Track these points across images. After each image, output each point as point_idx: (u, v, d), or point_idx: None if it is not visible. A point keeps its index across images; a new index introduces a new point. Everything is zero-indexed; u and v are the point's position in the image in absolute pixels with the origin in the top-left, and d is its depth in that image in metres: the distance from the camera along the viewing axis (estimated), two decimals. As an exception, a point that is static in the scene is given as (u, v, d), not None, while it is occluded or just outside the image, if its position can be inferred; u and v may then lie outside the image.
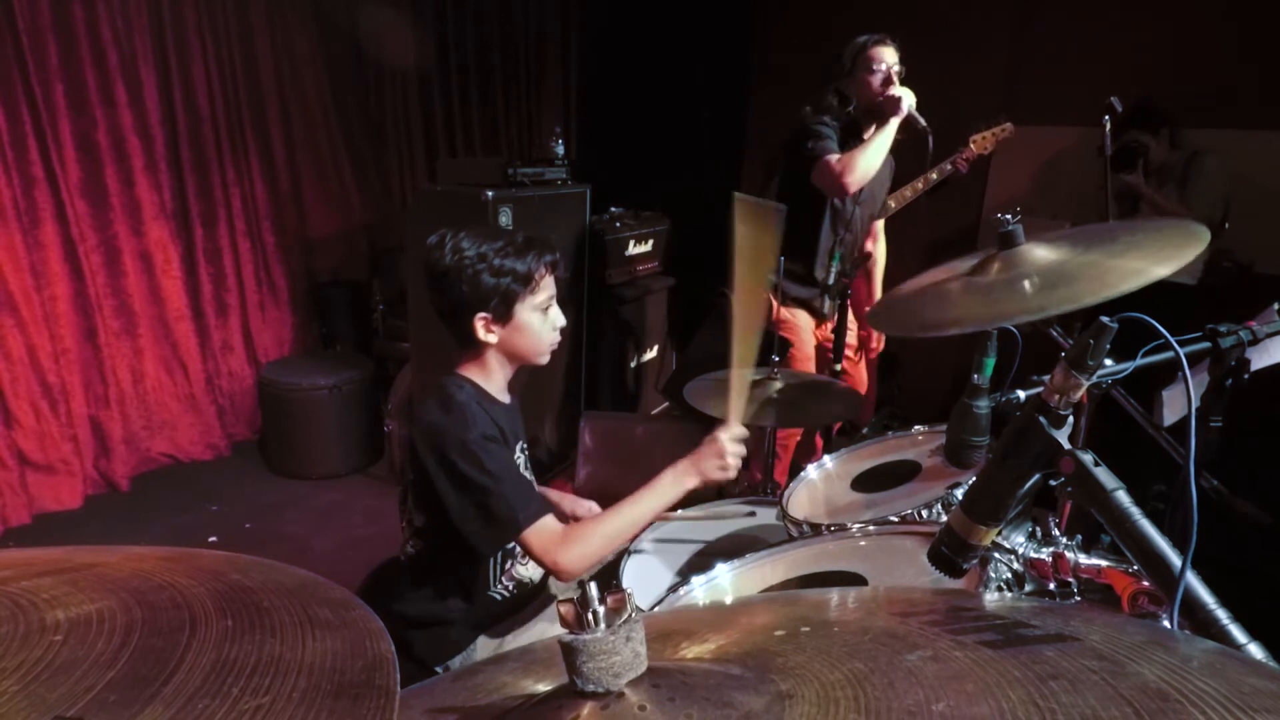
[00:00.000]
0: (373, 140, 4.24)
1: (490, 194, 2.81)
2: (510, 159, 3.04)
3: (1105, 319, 0.71)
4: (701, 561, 1.57)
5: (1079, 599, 0.98)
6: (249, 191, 3.70)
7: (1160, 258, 0.91)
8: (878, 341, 2.95)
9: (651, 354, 3.97)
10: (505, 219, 2.88)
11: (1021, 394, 0.91)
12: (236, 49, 3.54)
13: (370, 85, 4.17)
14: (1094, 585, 0.97)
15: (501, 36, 4.59)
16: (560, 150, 3.44)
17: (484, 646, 1.52)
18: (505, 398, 1.53)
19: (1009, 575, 1.02)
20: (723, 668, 0.50)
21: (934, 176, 2.77)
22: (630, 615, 0.46)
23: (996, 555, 1.02)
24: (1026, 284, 0.98)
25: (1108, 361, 0.92)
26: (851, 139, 2.46)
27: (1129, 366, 0.96)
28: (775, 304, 2.51)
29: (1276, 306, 1.32)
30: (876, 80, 2.41)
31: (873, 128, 2.46)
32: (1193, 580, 0.66)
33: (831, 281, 2.47)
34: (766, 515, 1.73)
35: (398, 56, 4.09)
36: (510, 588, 1.56)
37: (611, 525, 1.39)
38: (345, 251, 4.18)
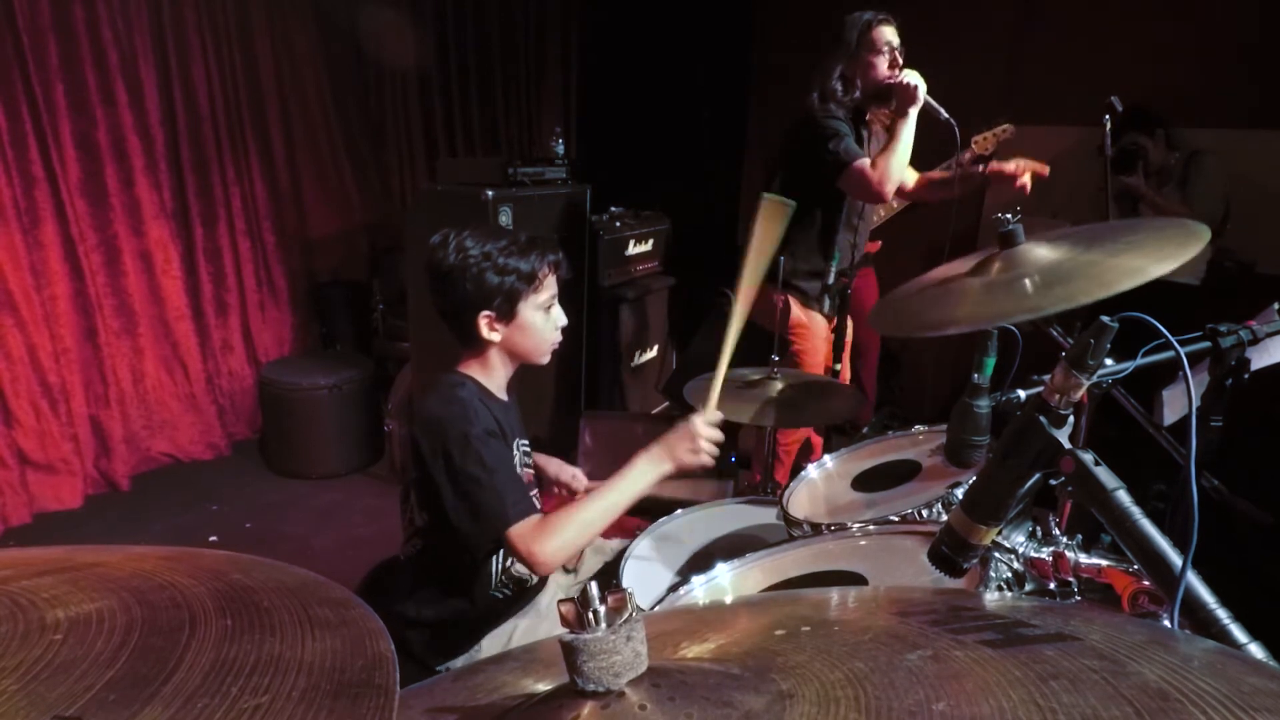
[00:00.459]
0: (373, 140, 4.24)
1: (490, 194, 2.81)
2: (510, 159, 3.04)
3: (1105, 319, 0.71)
4: (701, 561, 1.56)
5: (1079, 598, 0.98)
6: (249, 191, 3.71)
7: (1160, 256, 0.92)
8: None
9: (651, 354, 3.97)
10: (505, 219, 2.88)
11: (1022, 393, 0.91)
12: (236, 49, 3.54)
13: (370, 85, 4.17)
14: (1094, 585, 0.97)
15: (501, 36, 4.59)
16: (560, 150, 3.44)
17: (488, 649, 1.52)
18: (505, 396, 1.54)
19: (1009, 575, 1.02)
20: (723, 667, 0.50)
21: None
22: (631, 615, 0.46)
23: (997, 555, 1.02)
24: (1028, 282, 0.99)
25: (1108, 361, 0.92)
26: (859, 126, 2.42)
27: (1129, 366, 0.96)
28: (792, 307, 2.47)
29: (1276, 306, 1.32)
30: (883, 63, 2.32)
31: (874, 113, 2.39)
32: (1193, 580, 0.66)
33: (831, 281, 2.46)
34: (766, 515, 1.73)
35: (398, 56, 4.09)
36: (510, 587, 1.56)
37: (587, 513, 1.36)
38: (345, 251, 4.18)
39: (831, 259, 2.44)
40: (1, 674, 0.41)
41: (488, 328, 1.43)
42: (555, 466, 1.80)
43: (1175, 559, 0.66)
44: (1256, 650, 0.63)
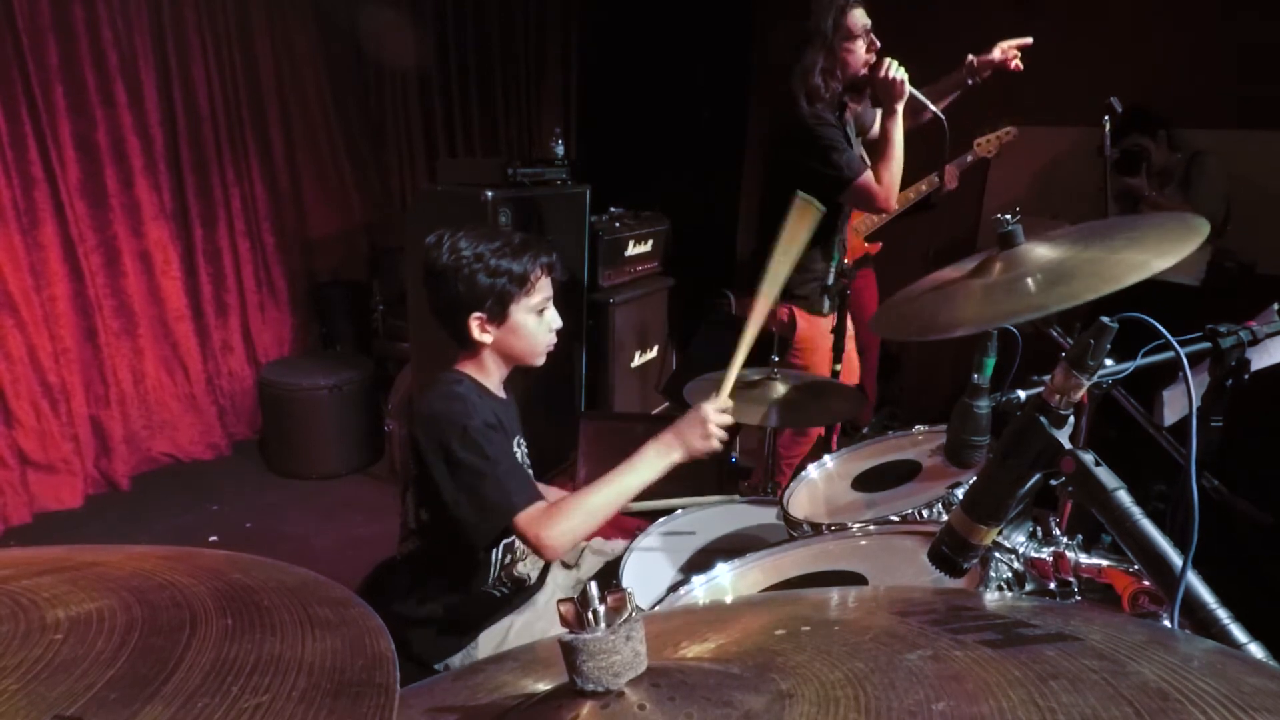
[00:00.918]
0: (373, 140, 4.25)
1: (490, 194, 2.81)
2: (510, 159, 3.04)
3: (1105, 319, 0.71)
4: (701, 561, 1.56)
5: (1079, 599, 0.98)
6: (249, 191, 3.71)
7: (1161, 250, 0.92)
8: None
9: (651, 354, 3.97)
10: (505, 219, 2.88)
11: (1022, 394, 0.91)
12: (236, 49, 3.54)
13: (370, 85, 4.17)
14: (1094, 585, 0.97)
15: (501, 36, 4.59)
16: (560, 150, 3.44)
17: (485, 645, 1.52)
18: (502, 394, 1.54)
19: (1009, 575, 1.02)
20: (723, 667, 0.50)
21: (911, 197, 2.73)
22: (630, 614, 0.46)
23: (997, 555, 1.02)
24: (1030, 282, 0.99)
25: (1108, 361, 0.92)
26: (841, 120, 2.35)
27: (1129, 366, 0.96)
28: (798, 319, 2.43)
29: (1276, 307, 1.32)
30: (860, 48, 2.21)
31: (862, 106, 2.31)
32: (1193, 580, 0.66)
33: (831, 282, 2.44)
34: (766, 515, 1.73)
35: (398, 56, 4.09)
36: (508, 585, 1.56)
37: (594, 500, 1.35)
38: (345, 251, 4.18)
39: (831, 259, 2.44)
40: (2, 673, 0.41)
41: (479, 329, 1.43)
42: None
43: (1175, 559, 0.66)
44: (1256, 650, 0.63)
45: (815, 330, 2.47)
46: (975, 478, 0.84)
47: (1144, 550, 0.68)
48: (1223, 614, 0.65)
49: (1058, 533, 1.03)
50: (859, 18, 2.21)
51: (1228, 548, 1.54)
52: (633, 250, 3.76)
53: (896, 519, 1.33)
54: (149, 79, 3.25)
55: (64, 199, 3.02)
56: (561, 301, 1.54)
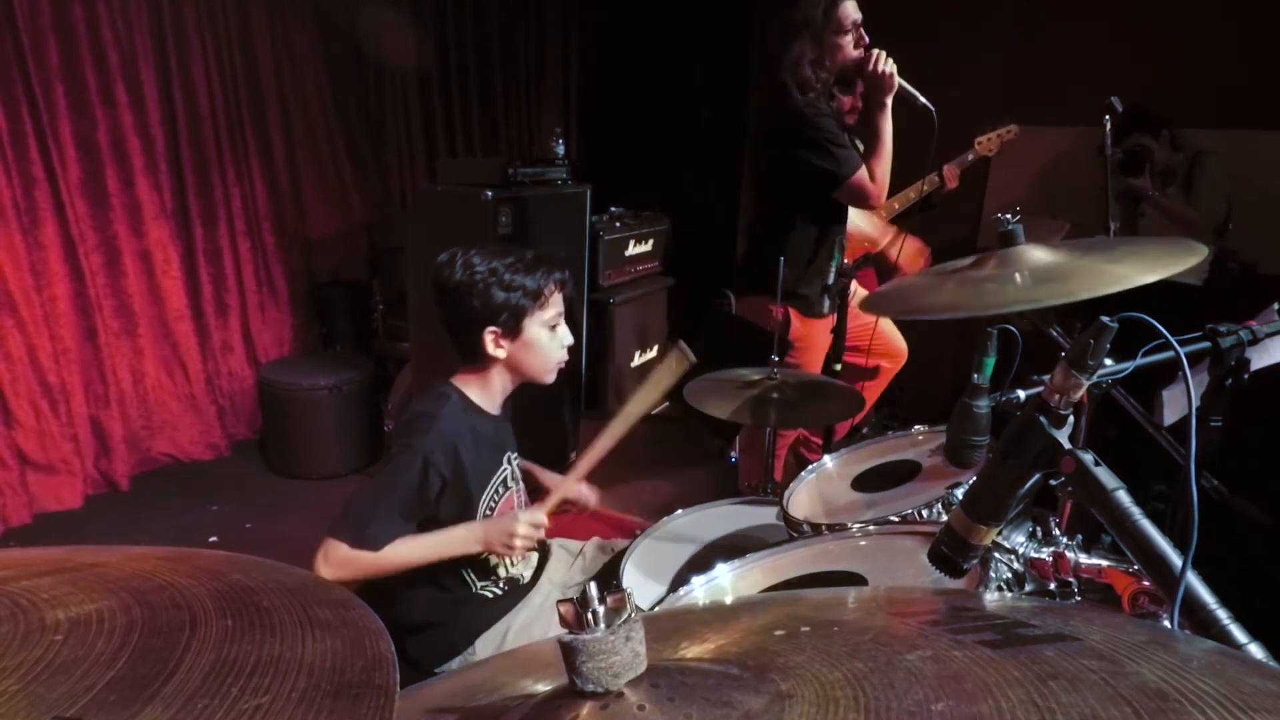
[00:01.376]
0: (373, 140, 4.24)
1: (490, 194, 2.81)
2: (510, 159, 3.04)
3: (1105, 319, 0.71)
4: (701, 561, 1.57)
5: (1079, 599, 0.98)
6: (249, 191, 3.70)
7: (1154, 267, 0.92)
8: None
9: (651, 354, 3.98)
10: (505, 219, 2.87)
11: (1022, 394, 0.91)
12: (236, 49, 3.54)
13: (370, 85, 4.17)
14: (1094, 585, 0.97)
15: (501, 36, 4.59)
16: (560, 150, 3.44)
17: (483, 650, 1.52)
18: (497, 411, 1.55)
19: (1009, 575, 1.02)
20: (722, 667, 0.50)
21: (913, 196, 2.72)
22: (630, 615, 0.46)
23: (997, 555, 1.02)
24: (1018, 276, 0.99)
25: (1108, 361, 0.92)
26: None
27: (1129, 366, 0.96)
28: (793, 319, 2.41)
29: (1276, 306, 1.32)
30: (849, 42, 2.19)
31: (849, 99, 2.32)
32: (1193, 580, 0.66)
33: (831, 281, 2.44)
34: (766, 515, 1.73)
35: (398, 56, 4.09)
36: (502, 586, 1.56)
37: (391, 559, 1.35)
38: (345, 251, 4.18)
39: (832, 259, 2.43)
40: (2, 674, 0.41)
41: (493, 344, 1.44)
42: (556, 479, 1.76)
43: (1175, 559, 0.66)
44: (1256, 650, 0.63)
45: (811, 330, 2.46)
46: (975, 478, 0.84)
47: (1144, 550, 0.68)
48: (1222, 614, 0.65)
49: (1057, 533, 1.03)
50: (850, 10, 2.19)
51: (1228, 548, 1.54)
52: (633, 250, 3.76)
53: (896, 519, 1.33)
54: (149, 79, 3.25)
55: (64, 199, 3.02)
56: (570, 315, 1.56)
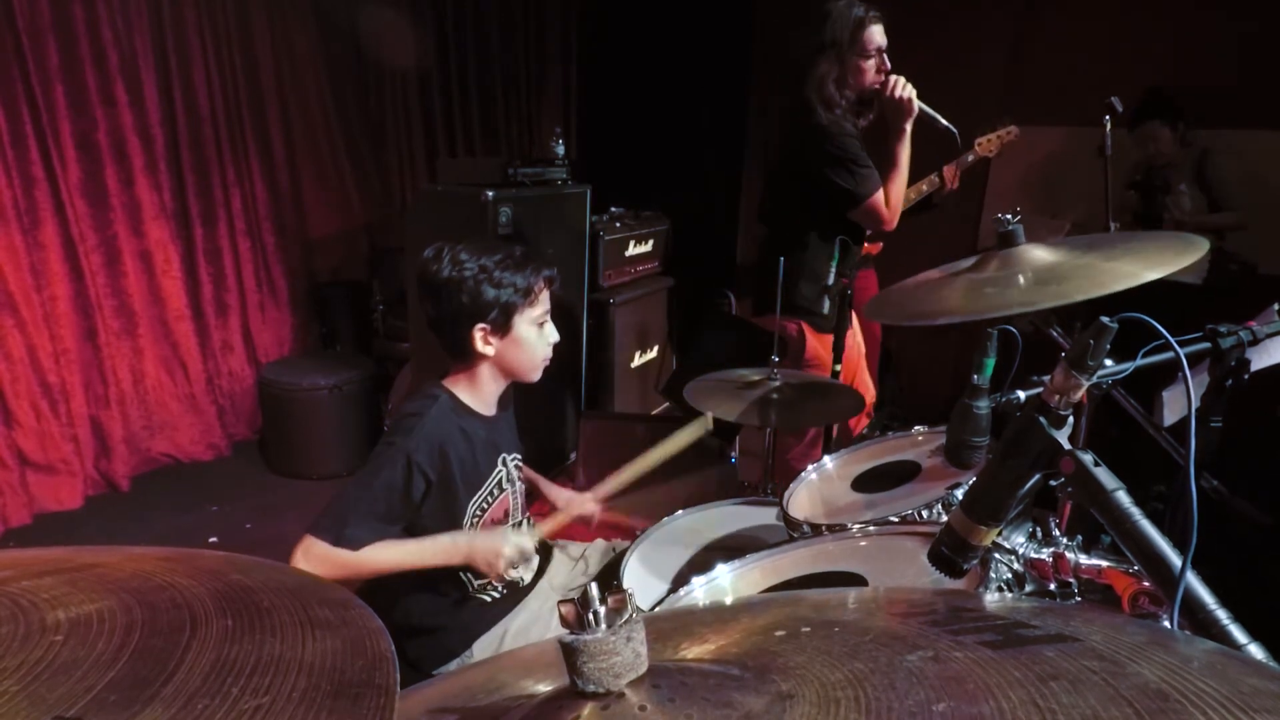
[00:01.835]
0: (373, 140, 4.25)
1: (490, 194, 2.80)
2: (510, 159, 3.04)
3: (1105, 319, 0.71)
4: (701, 561, 1.57)
5: (1079, 599, 0.98)
6: (249, 191, 3.71)
7: (1154, 263, 0.92)
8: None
9: (651, 354, 3.97)
10: (505, 219, 2.87)
11: (1022, 394, 0.91)
12: (236, 49, 3.54)
13: (370, 85, 4.17)
14: (1094, 585, 0.97)
15: (501, 36, 4.59)
16: (560, 150, 3.44)
17: (481, 652, 1.52)
18: (490, 411, 1.54)
19: (1009, 575, 1.02)
20: (723, 668, 0.50)
21: (913, 197, 2.72)
22: (631, 615, 0.46)
23: (997, 555, 1.02)
24: (1021, 278, 0.99)
25: (1108, 362, 0.92)
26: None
27: (1129, 367, 0.96)
28: (807, 336, 2.40)
29: (1277, 307, 1.32)
30: (871, 67, 2.21)
31: (865, 121, 2.34)
32: (1193, 580, 0.66)
33: (830, 282, 2.43)
34: (766, 515, 1.73)
35: (398, 56, 4.09)
36: (501, 589, 1.56)
37: (372, 562, 1.34)
38: (345, 251, 4.18)
39: (832, 259, 2.42)
40: (2, 675, 0.41)
41: (482, 341, 1.44)
42: (564, 497, 1.75)
43: (1175, 559, 0.66)
44: (1256, 651, 0.63)
45: (825, 346, 2.43)
46: (975, 478, 0.84)
47: (1144, 551, 0.68)
48: (1222, 614, 0.65)
49: (1057, 533, 1.03)
50: (876, 35, 2.21)
51: (1228, 548, 1.54)
52: (633, 250, 3.76)
53: (896, 520, 1.33)
54: (149, 79, 3.25)
55: (64, 198, 3.02)
56: (557, 312, 1.56)
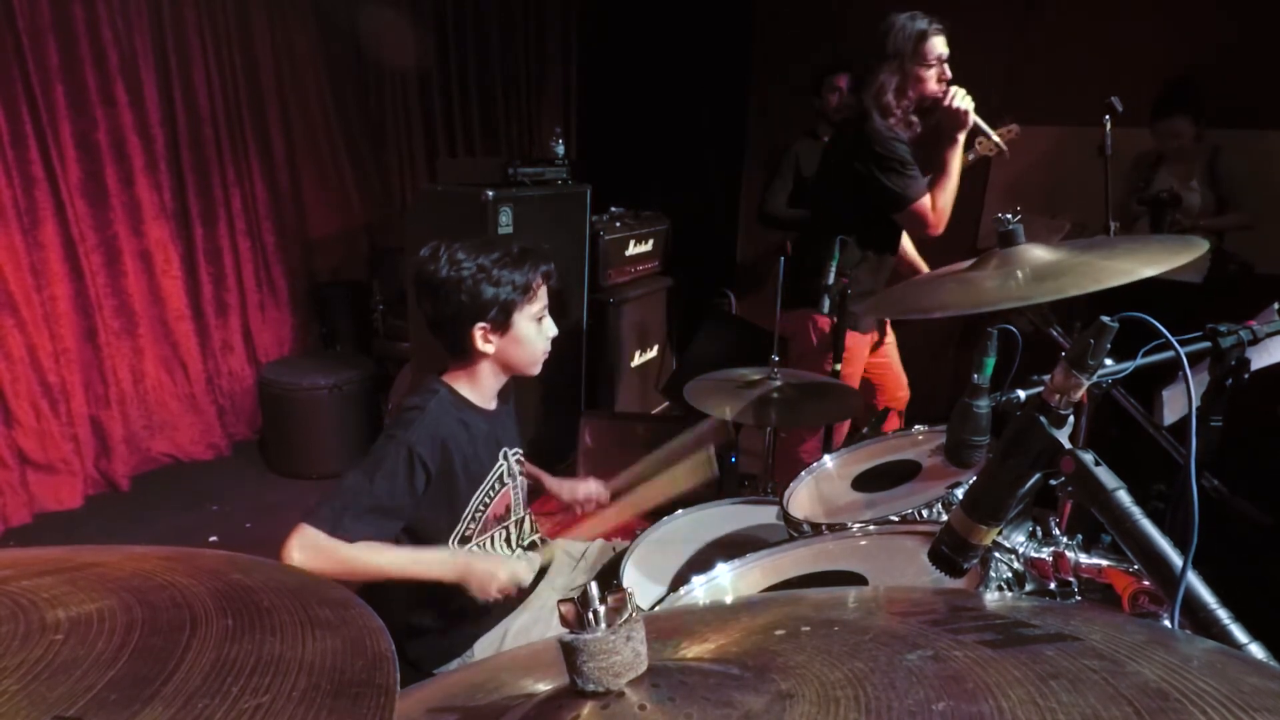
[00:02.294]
0: (373, 140, 4.24)
1: (490, 194, 2.81)
2: (510, 159, 3.04)
3: (1106, 319, 0.71)
4: (701, 561, 1.56)
5: (1079, 599, 0.98)
6: (249, 191, 3.70)
7: (1152, 261, 0.92)
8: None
9: (651, 354, 3.97)
10: (505, 219, 2.87)
11: (1022, 394, 0.91)
12: (236, 49, 3.54)
13: (370, 85, 4.17)
14: (1094, 585, 0.97)
15: (501, 36, 4.59)
16: (560, 150, 3.44)
17: (481, 652, 1.52)
18: (490, 405, 1.54)
19: (1009, 575, 1.02)
20: (723, 667, 0.50)
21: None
22: (631, 615, 0.46)
23: (997, 555, 1.02)
24: (1019, 274, 1.00)
25: (1108, 361, 0.92)
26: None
27: (1129, 366, 0.96)
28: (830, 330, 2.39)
29: (1276, 306, 1.32)
30: (932, 77, 2.25)
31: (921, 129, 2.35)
32: (1193, 580, 0.65)
33: (831, 281, 2.42)
34: (766, 515, 1.73)
35: (398, 56, 4.09)
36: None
37: (363, 563, 1.32)
38: (345, 251, 4.18)
39: (833, 258, 2.42)
40: (2, 674, 0.41)
41: (482, 339, 1.44)
42: (567, 488, 1.76)
43: (1175, 559, 0.66)
44: (1257, 650, 0.63)
45: (854, 343, 2.46)
46: (975, 478, 0.84)
47: (1144, 550, 0.68)
48: (1223, 614, 0.65)
49: (1058, 533, 1.03)
50: (937, 45, 2.25)
51: (1228, 547, 1.54)
52: (633, 250, 3.76)
53: (896, 519, 1.33)
54: (149, 79, 3.25)
55: (64, 198, 3.02)
56: (555, 309, 1.56)
